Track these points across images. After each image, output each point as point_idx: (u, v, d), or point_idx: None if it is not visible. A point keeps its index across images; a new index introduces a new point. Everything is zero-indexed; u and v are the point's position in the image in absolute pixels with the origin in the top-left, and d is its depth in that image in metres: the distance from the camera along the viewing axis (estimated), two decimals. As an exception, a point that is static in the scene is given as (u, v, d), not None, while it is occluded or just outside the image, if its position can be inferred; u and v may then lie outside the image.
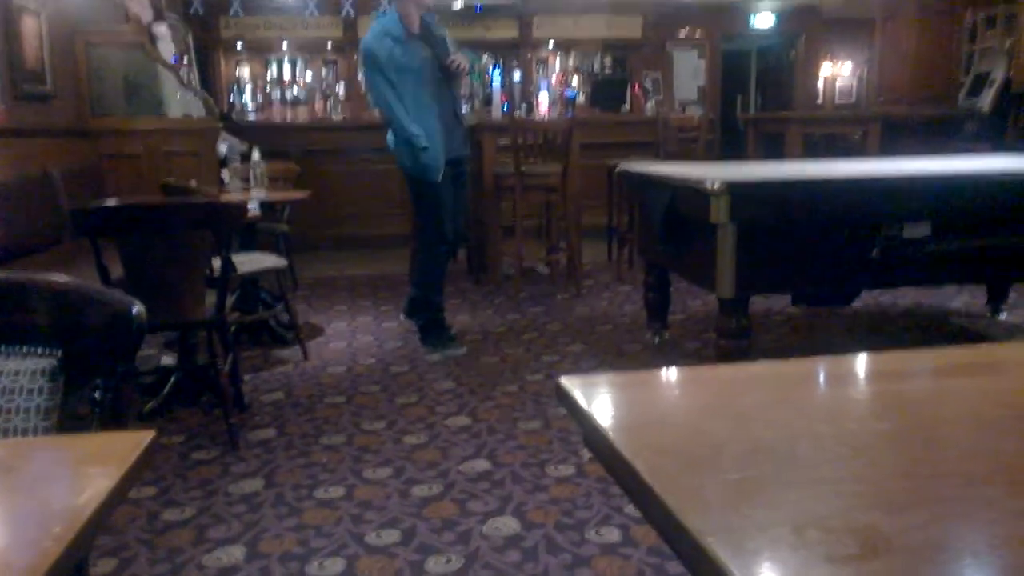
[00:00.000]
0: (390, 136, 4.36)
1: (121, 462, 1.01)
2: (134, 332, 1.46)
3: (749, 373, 1.46)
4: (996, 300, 4.90)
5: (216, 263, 3.34)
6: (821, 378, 1.48)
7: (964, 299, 5.29)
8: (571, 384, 1.32)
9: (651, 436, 1.18)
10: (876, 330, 4.75)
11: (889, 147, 6.95)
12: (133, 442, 1.11)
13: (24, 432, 1.38)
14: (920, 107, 7.15)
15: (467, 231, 4.67)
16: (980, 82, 10.59)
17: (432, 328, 4.49)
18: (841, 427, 1.21)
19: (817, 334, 4.68)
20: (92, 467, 1.05)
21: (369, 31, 4.29)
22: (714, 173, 3.61)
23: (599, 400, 1.30)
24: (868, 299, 5.19)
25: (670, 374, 1.68)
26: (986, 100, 10.20)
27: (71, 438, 1.37)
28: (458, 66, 4.30)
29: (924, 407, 1.31)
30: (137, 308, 1.44)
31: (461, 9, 10.90)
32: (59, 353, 1.44)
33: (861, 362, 1.61)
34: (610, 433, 1.13)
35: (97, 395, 1.49)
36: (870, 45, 10.18)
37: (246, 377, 3.97)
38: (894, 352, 1.54)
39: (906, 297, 5.33)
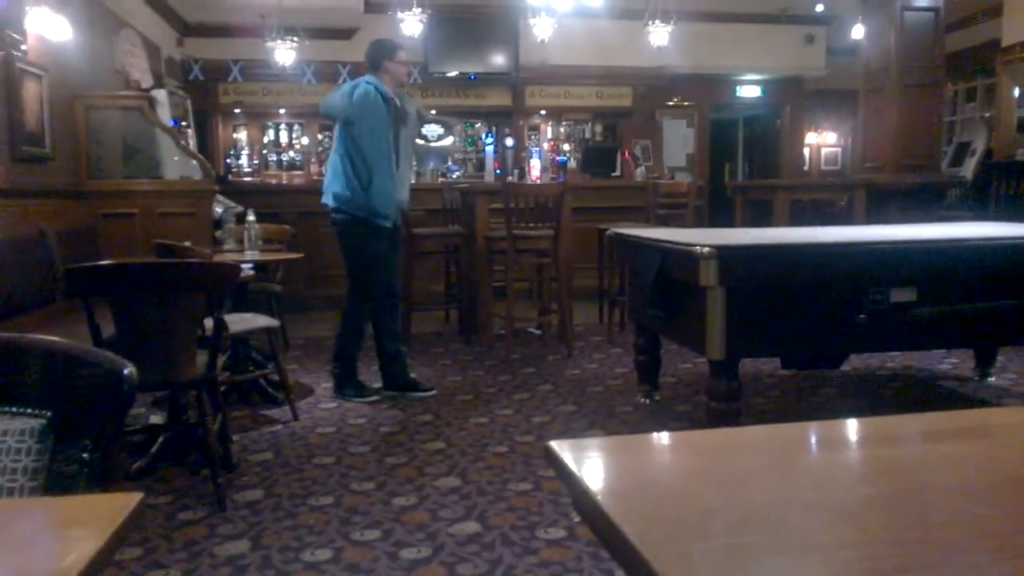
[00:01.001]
0: (345, 187, 4.56)
1: (107, 525, 1.00)
2: (125, 394, 1.46)
3: (739, 438, 1.47)
4: (984, 363, 4.93)
5: (208, 323, 3.35)
6: (811, 443, 1.49)
7: (952, 362, 5.32)
8: (561, 448, 1.32)
9: (640, 501, 1.18)
10: (865, 393, 4.76)
11: (875, 214, 7.05)
12: (120, 504, 1.10)
13: (11, 492, 1.37)
14: (904, 175, 7.27)
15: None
16: (962, 151, 10.83)
17: (403, 376, 4.82)
18: (831, 493, 1.22)
19: (807, 397, 4.69)
20: (78, 529, 1.05)
21: (361, 87, 4.53)
22: (703, 238, 3.67)
23: (589, 464, 1.30)
24: (857, 362, 5.21)
25: (660, 438, 1.69)
26: (968, 169, 10.41)
27: (57, 500, 1.36)
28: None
29: (912, 473, 1.32)
30: (128, 370, 1.45)
31: (456, 77, 11.12)
32: (48, 414, 1.44)
33: (850, 427, 1.63)
34: (599, 497, 1.13)
35: (86, 456, 1.48)
36: (853, 115, 10.42)
37: (235, 437, 3.95)
38: (882, 417, 1.55)
39: (894, 360, 5.36)
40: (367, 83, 4.55)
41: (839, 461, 1.44)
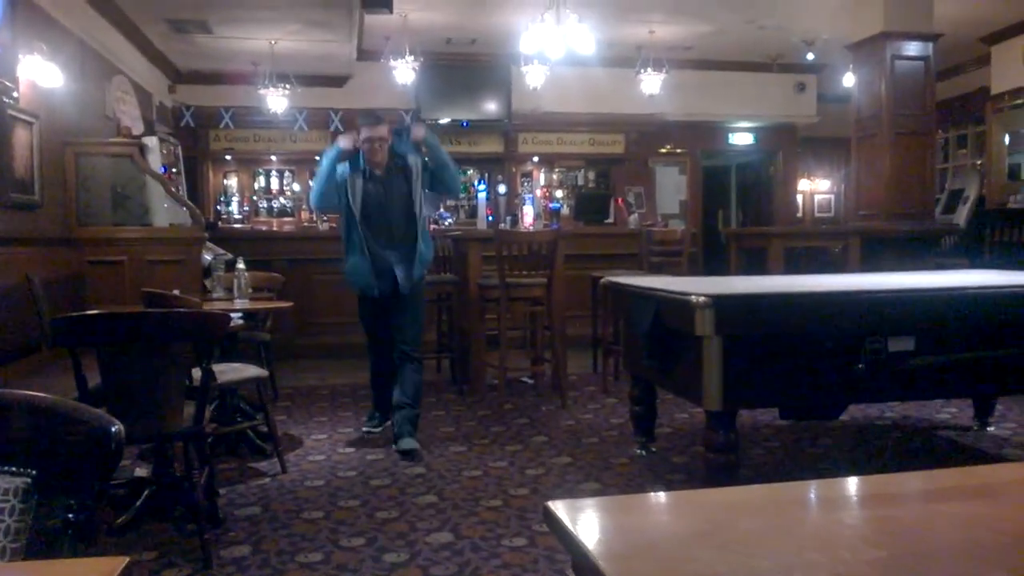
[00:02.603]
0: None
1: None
2: (112, 453, 1.42)
3: (740, 498, 1.43)
4: (983, 413, 4.89)
5: (196, 373, 3.30)
6: (813, 503, 1.45)
7: (951, 411, 5.28)
8: (558, 508, 1.28)
9: (642, 565, 1.14)
10: (864, 444, 4.71)
11: (869, 261, 7.06)
12: (105, 570, 1.06)
13: (-9, 554, 1.32)
14: (898, 222, 7.30)
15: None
16: (955, 199, 10.92)
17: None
18: (835, 555, 1.18)
19: (806, 448, 4.63)
20: (61, 599, 1.01)
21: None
22: (699, 286, 3.65)
23: (588, 526, 1.26)
24: (855, 411, 5.17)
25: (659, 498, 1.65)
26: (961, 216, 10.49)
27: (42, 566, 1.31)
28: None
29: (917, 534, 1.28)
30: (116, 428, 1.40)
31: (449, 124, 11.20)
32: (33, 472, 1.39)
33: (852, 486, 1.59)
34: (600, 562, 1.09)
35: (71, 516, 1.43)
36: (846, 162, 10.50)
37: (222, 490, 3.87)
38: (885, 476, 1.51)
39: (893, 410, 5.32)
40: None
41: (843, 522, 1.39)
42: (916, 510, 1.44)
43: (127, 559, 1.05)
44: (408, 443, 4.52)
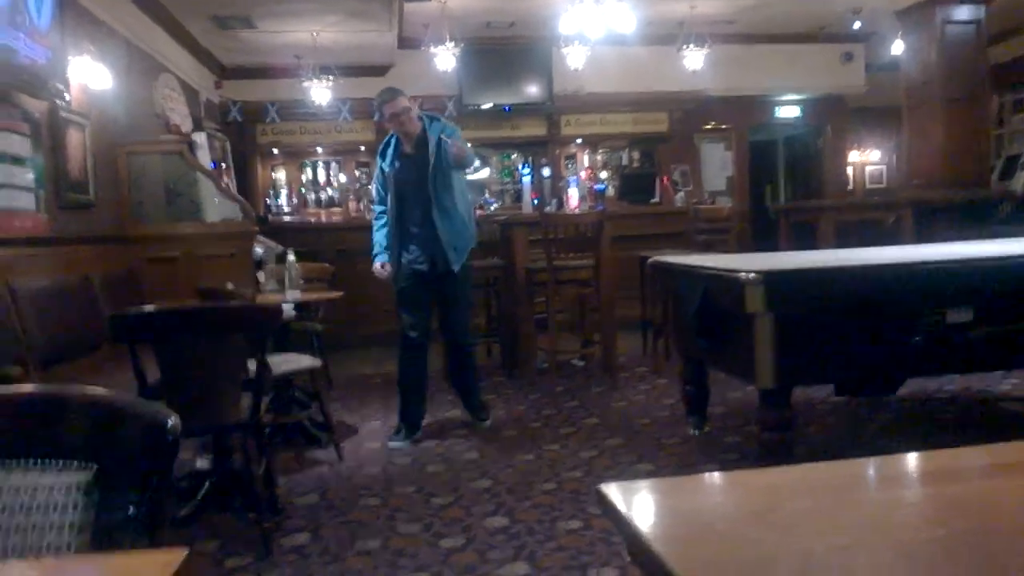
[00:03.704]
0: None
1: (154, 584, 0.99)
2: (169, 445, 1.44)
3: (795, 477, 1.41)
4: (1045, 384, 4.76)
5: (251, 365, 3.35)
6: (871, 481, 1.42)
7: (1013, 382, 5.15)
8: (611, 491, 1.28)
9: (698, 547, 1.13)
10: (923, 418, 4.62)
11: (923, 232, 6.89)
12: (165, 562, 1.08)
13: (58, 549, 1.36)
14: (952, 191, 7.11)
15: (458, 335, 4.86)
16: (1011, 164, 10.58)
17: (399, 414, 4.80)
18: (895, 536, 1.16)
19: (863, 424, 4.55)
20: (124, 589, 1.03)
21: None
22: (748, 263, 3.60)
23: (641, 508, 1.25)
24: (913, 385, 5.06)
25: (713, 479, 1.63)
26: (1019, 182, 10.16)
27: (104, 558, 1.34)
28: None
29: (980, 511, 1.25)
30: (172, 421, 1.43)
31: (491, 109, 11.18)
32: (94, 467, 1.42)
33: (911, 462, 1.55)
34: (655, 545, 1.08)
35: (132, 509, 1.47)
36: (897, 132, 10.24)
37: (280, 480, 3.93)
38: (946, 451, 1.48)
39: (952, 383, 5.20)
40: (389, 135, 4.75)
41: (903, 500, 1.37)
42: (978, 486, 1.40)
43: (187, 551, 1.07)
44: (486, 422, 4.87)
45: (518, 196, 11.49)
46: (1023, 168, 10.32)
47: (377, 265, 4.79)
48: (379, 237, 4.80)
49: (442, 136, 4.56)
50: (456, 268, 4.59)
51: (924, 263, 3.64)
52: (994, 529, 1.20)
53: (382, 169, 4.73)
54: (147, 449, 1.47)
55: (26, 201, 4.87)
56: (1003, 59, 10.72)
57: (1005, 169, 10.60)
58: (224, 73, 10.74)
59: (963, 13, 7.12)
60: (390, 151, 4.68)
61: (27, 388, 1.57)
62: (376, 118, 4.79)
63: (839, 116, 12.64)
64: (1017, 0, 9.21)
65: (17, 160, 4.77)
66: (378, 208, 4.85)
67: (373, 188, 4.97)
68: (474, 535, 3.22)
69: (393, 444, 4.61)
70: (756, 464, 3.62)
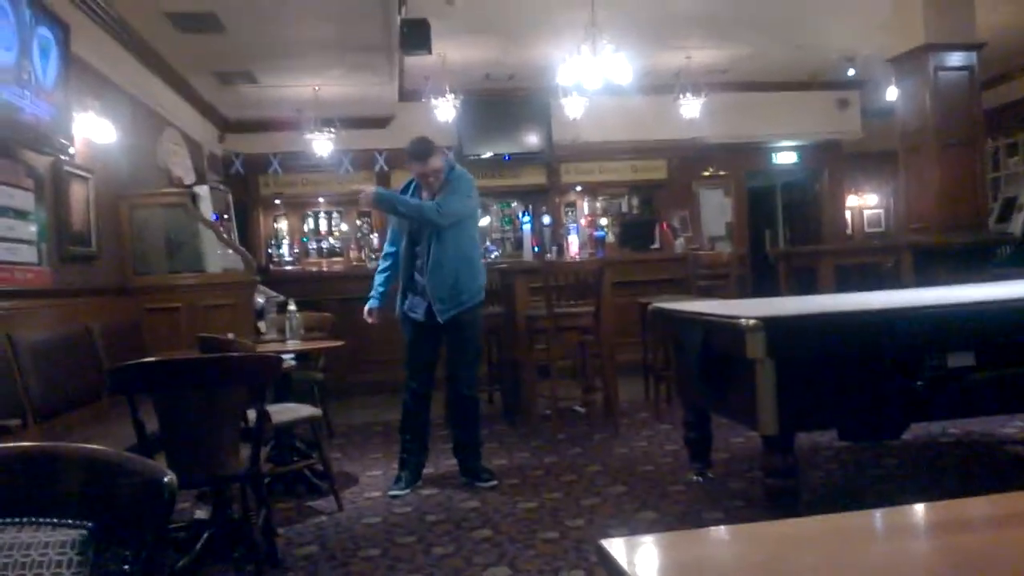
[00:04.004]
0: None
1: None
2: (165, 502, 1.43)
3: (800, 530, 1.39)
4: (1051, 428, 4.72)
5: (251, 415, 3.33)
6: (878, 533, 1.40)
7: (1017, 426, 5.11)
8: (613, 547, 1.25)
9: (701, 604, 1.11)
10: (927, 463, 4.57)
11: (923, 275, 6.89)
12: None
13: (52, 608, 1.34)
14: (950, 234, 7.12)
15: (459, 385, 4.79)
16: (1009, 207, 10.64)
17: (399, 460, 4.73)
18: (903, 588, 1.14)
19: (867, 470, 4.51)
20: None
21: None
22: (748, 309, 3.60)
23: (643, 565, 1.23)
24: (917, 430, 5.02)
25: (716, 532, 1.61)
26: (1017, 224, 10.21)
27: (96, 617, 1.32)
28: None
29: (987, 562, 1.23)
30: (168, 477, 1.42)
31: (491, 158, 11.28)
32: (89, 525, 1.41)
33: (918, 514, 1.53)
34: (657, 603, 1.06)
35: (126, 567, 1.44)
36: (894, 176, 10.31)
37: (280, 530, 3.89)
38: (950, 502, 1.46)
39: (956, 426, 5.16)
40: (411, 178, 4.75)
41: (909, 552, 1.34)
42: (985, 537, 1.38)
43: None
44: (491, 482, 4.61)
45: (519, 244, 11.54)
46: (1019, 211, 10.38)
47: (365, 309, 4.84)
48: (378, 280, 4.82)
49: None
50: (441, 320, 4.51)
51: (924, 307, 3.64)
52: (1003, 581, 1.17)
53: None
54: (143, 506, 1.46)
55: (28, 254, 4.89)
56: (997, 103, 10.84)
57: (1003, 211, 10.66)
58: (227, 126, 10.87)
59: (955, 60, 7.20)
60: (410, 193, 4.68)
61: (21, 445, 1.56)
62: (405, 161, 4.79)
63: (836, 161, 12.74)
64: (1007, 46, 9.35)
65: (20, 214, 4.81)
66: (388, 248, 4.84)
67: (388, 228, 4.99)
68: (476, 588, 3.17)
69: (394, 493, 4.51)
70: (762, 510, 3.58)
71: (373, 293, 4.82)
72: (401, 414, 4.75)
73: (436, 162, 4.53)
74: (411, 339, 4.70)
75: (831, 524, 1.37)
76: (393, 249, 4.77)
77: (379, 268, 4.87)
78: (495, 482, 4.59)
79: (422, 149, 4.54)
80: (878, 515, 1.43)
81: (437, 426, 6.15)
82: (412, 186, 4.70)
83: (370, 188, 4.59)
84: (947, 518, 1.44)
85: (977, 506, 1.52)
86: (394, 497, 4.47)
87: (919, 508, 1.45)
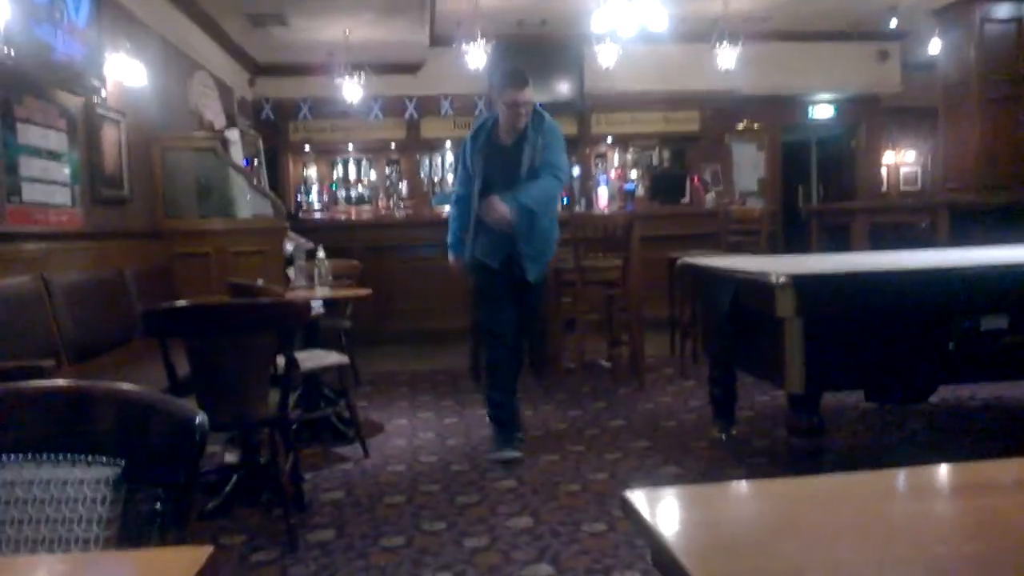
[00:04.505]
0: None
1: (178, 581, 0.99)
2: (196, 443, 1.45)
3: (824, 487, 1.39)
4: (1083, 394, 4.67)
5: (280, 361, 3.37)
6: (903, 493, 1.39)
7: (1048, 392, 5.06)
8: (636, 498, 1.26)
9: (724, 560, 1.11)
10: (955, 427, 4.54)
11: (958, 235, 6.78)
12: (190, 559, 1.09)
13: (86, 542, 1.37)
14: (988, 194, 6.99)
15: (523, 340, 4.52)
16: (1051, 167, 10.38)
17: (492, 424, 4.41)
18: (929, 551, 1.13)
19: (893, 432, 4.49)
20: (150, 586, 1.04)
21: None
22: (779, 266, 3.56)
23: (667, 517, 1.24)
24: (945, 393, 4.99)
25: (740, 487, 1.61)
26: (1058, 185, 9.97)
27: (129, 555, 1.35)
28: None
29: (1017, 526, 1.22)
30: (200, 418, 1.44)
31: (521, 107, 11.17)
32: (122, 462, 1.44)
33: (944, 474, 1.52)
34: (681, 557, 1.07)
35: (158, 505, 1.48)
36: (933, 133, 10.09)
37: (307, 475, 3.96)
38: (979, 463, 1.45)
39: (985, 390, 5.11)
40: (486, 116, 4.45)
41: (935, 513, 1.34)
42: (1014, 500, 1.37)
43: (211, 548, 1.08)
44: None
45: (548, 194, 11.45)
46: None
47: (451, 257, 4.50)
48: (456, 226, 4.45)
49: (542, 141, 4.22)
50: (532, 279, 4.22)
51: (959, 268, 3.58)
52: (1030, 545, 1.17)
53: (471, 150, 4.31)
54: (175, 446, 1.48)
55: (62, 196, 4.94)
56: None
57: (1044, 172, 10.41)
58: (257, 70, 10.83)
59: (1003, 11, 7.00)
60: (483, 135, 4.30)
61: (57, 383, 1.59)
62: (495, 94, 4.42)
63: (874, 116, 12.48)
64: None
65: (54, 155, 4.84)
66: (460, 190, 4.44)
67: (457, 169, 4.61)
68: (498, 535, 3.22)
69: (511, 455, 4.16)
70: (785, 469, 3.59)
71: (452, 240, 4.45)
72: (488, 372, 4.42)
73: (531, 94, 4.20)
74: (487, 287, 4.32)
75: (853, 482, 1.37)
76: (465, 191, 4.37)
77: (453, 213, 4.49)
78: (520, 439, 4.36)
79: (522, 76, 4.20)
80: (902, 474, 1.43)
81: (462, 376, 6.22)
82: (488, 125, 4.31)
83: (502, 207, 4.05)
84: (974, 479, 1.43)
85: (1006, 468, 1.50)
86: (509, 461, 4.13)
87: (945, 468, 1.44)
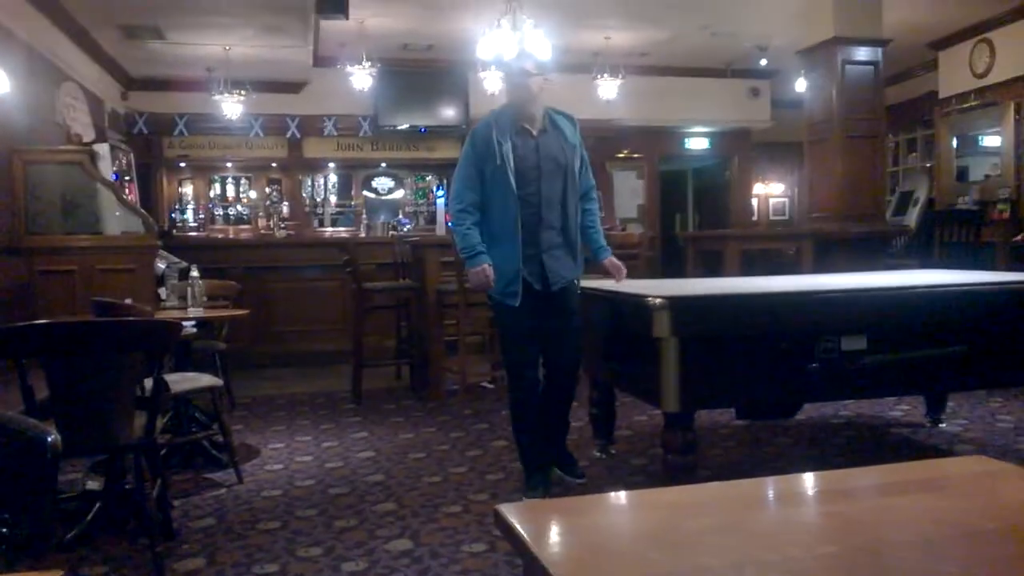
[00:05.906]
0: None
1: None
2: (48, 463, 1.37)
3: (691, 497, 1.43)
4: (935, 410, 4.97)
5: (148, 383, 3.23)
6: (766, 500, 1.45)
7: (904, 408, 5.36)
8: (509, 512, 1.26)
9: (592, 568, 1.13)
10: (819, 442, 4.76)
11: (822, 262, 7.16)
12: (36, 586, 1.03)
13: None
14: (850, 224, 7.41)
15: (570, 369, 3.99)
16: (905, 200, 11.11)
17: (523, 467, 4.01)
18: (787, 553, 1.18)
19: (763, 447, 4.67)
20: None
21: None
22: (656, 289, 3.66)
23: (538, 528, 1.25)
24: (810, 411, 5.22)
25: (612, 498, 1.64)
26: (912, 218, 10.68)
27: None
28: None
29: (869, 528, 1.28)
30: (52, 438, 1.36)
31: (407, 130, 11.15)
32: (-35, 486, 1.34)
33: (805, 482, 1.60)
34: (549, 567, 1.08)
35: (4, 530, 1.38)
36: (800, 166, 10.64)
37: (176, 502, 3.79)
38: (837, 471, 1.52)
39: (847, 408, 5.38)
40: (487, 118, 4.03)
41: (795, 518, 1.40)
42: (867, 505, 1.45)
43: (60, 573, 1.02)
44: (583, 479, 4.04)
45: (432, 218, 11.47)
46: (915, 205, 10.84)
47: (483, 267, 3.78)
48: (476, 235, 3.83)
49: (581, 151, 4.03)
50: (556, 288, 3.87)
51: (821, 292, 3.78)
52: (884, 545, 1.23)
53: (495, 143, 3.83)
54: (26, 467, 1.40)
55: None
56: (898, 100, 11.28)
57: (899, 205, 11.12)
58: (131, 84, 10.45)
59: (862, 54, 7.46)
60: (505, 124, 3.92)
61: None
62: (518, 74, 4.04)
63: (746, 149, 13.08)
64: (912, 44, 9.72)
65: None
66: (472, 198, 3.85)
67: (456, 189, 3.99)
68: (377, 559, 3.16)
69: (535, 497, 3.79)
70: (662, 486, 3.66)
71: (481, 248, 3.79)
72: (515, 414, 3.97)
73: (541, 82, 4.02)
74: (519, 319, 3.82)
75: (723, 491, 1.41)
76: (477, 197, 3.84)
77: (468, 224, 3.83)
78: (584, 479, 4.02)
79: (533, 59, 4.09)
80: (768, 483, 1.48)
81: (342, 400, 6.11)
82: (496, 125, 3.92)
83: (622, 268, 3.99)
84: (833, 486, 1.49)
85: (862, 476, 1.58)
86: (534, 496, 3.79)
87: (807, 476, 1.51)
